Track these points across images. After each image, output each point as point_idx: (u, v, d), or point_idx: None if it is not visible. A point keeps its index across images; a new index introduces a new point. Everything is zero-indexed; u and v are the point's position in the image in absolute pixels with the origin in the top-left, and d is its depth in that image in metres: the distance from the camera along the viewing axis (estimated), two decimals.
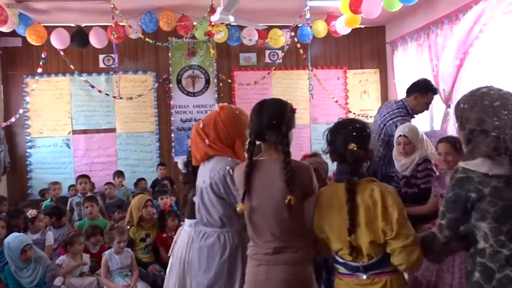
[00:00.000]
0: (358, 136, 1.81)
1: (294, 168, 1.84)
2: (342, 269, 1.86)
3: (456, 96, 5.15)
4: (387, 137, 3.62)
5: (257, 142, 1.99)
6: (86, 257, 3.98)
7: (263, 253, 1.90)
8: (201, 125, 2.31)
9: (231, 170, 2.15)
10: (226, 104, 2.38)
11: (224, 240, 2.23)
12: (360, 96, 7.27)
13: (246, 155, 2.18)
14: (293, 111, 1.95)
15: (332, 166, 2.61)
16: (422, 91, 3.57)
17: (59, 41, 5.72)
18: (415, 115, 3.68)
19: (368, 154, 1.85)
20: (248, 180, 1.88)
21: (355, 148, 1.78)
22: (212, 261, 2.22)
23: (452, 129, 5.06)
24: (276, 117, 1.90)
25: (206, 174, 2.25)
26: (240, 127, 2.27)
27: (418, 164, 3.09)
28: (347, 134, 1.82)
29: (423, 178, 3.08)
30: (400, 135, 3.16)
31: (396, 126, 3.38)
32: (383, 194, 1.74)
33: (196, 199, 2.37)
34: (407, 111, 3.57)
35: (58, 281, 3.62)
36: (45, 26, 5.67)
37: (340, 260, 1.85)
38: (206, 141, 2.25)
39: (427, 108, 3.65)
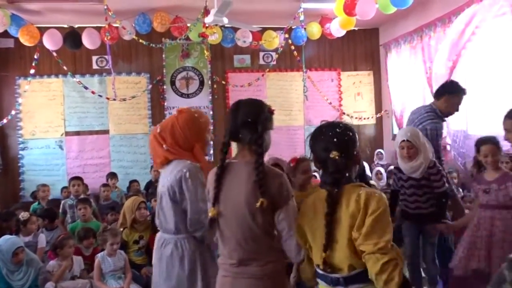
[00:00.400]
0: (340, 142, 1.67)
1: (266, 172, 1.72)
2: (322, 284, 1.70)
3: None
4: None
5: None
6: (79, 260, 3.95)
7: (228, 263, 1.80)
8: (158, 130, 2.25)
9: (187, 173, 2.09)
10: (185, 108, 2.32)
11: (181, 247, 2.17)
12: (354, 98, 7.30)
13: (207, 158, 2.23)
14: (271, 112, 1.86)
15: None
16: (453, 92, 3.56)
17: (52, 42, 5.69)
18: (445, 118, 3.65)
19: (354, 159, 1.71)
20: (218, 183, 1.78)
21: (336, 157, 1.64)
22: (172, 270, 2.17)
23: (446, 130, 5.11)
24: (251, 115, 1.78)
25: (164, 179, 2.21)
26: (199, 131, 2.22)
27: (430, 168, 3.17)
28: (327, 141, 1.69)
29: (439, 181, 3.16)
30: (403, 140, 3.20)
31: (426, 130, 3.39)
32: (368, 199, 1.58)
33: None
34: (437, 114, 3.55)
35: (49, 285, 3.58)
36: (37, 27, 5.63)
37: (320, 272, 1.69)
38: (164, 146, 2.19)
39: (457, 109, 3.63)
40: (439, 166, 3.22)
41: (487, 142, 2.97)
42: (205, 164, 2.19)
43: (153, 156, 2.31)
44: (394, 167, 3.53)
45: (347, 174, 1.69)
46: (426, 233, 3.28)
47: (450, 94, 3.55)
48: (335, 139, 1.68)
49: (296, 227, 1.75)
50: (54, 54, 5.96)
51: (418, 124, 3.52)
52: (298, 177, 3.03)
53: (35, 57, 5.94)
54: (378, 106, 7.31)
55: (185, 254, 2.16)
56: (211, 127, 2.36)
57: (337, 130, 1.70)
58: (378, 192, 1.65)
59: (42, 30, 5.65)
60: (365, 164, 6.49)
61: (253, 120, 1.77)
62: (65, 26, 6.10)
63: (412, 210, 3.26)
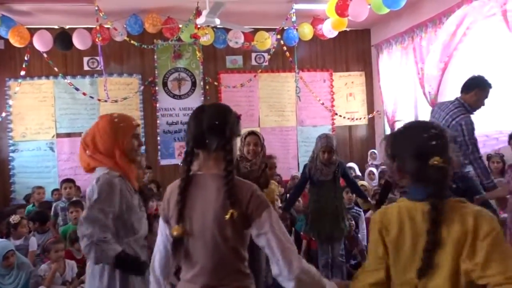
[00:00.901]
0: (439, 146, 1.39)
1: (236, 182, 1.55)
2: None
3: (441, 98, 5.22)
4: (453, 137, 3.63)
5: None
6: (71, 264, 3.90)
7: None
8: (83, 135, 2.19)
9: (95, 181, 1.98)
10: (108, 114, 2.18)
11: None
12: (346, 98, 7.32)
13: (130, 165, 2.08)
14: (237, 117, 1.69)
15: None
16: (483, 86, 3.56)
17: (42, 43, 5.64)
18: (473, 112, 3.63)
19: (453, 166, 1.42)
20: (182, 198, 1.56)
21: (440, 163, 1.35)
22: (93, 284, 2.04)
23: None
24: (219, 118, 1.59)
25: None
26: (119, 136, 2.08)
27: None
28: (423, 145, 1.40)
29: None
30: None
31: (461, 125, 3.39)
32: (477, 220, 1.32)
33: None
34: (466, 108, 3.54)
35: None
36: (27, 28, 5.58)
37: None
38: (87, 151, 2.11)
39: (484, 104, 3.64)
40: None
41: None
42: (127, 172, 2.07)
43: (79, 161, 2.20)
44: None
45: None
46: None
47: (480, 88, 3.54)
48: (433, 142, 1.40)
49: (370, 242, 1.50)
50: (45, 55, 5.91)
51: (451, 120, 3.49)
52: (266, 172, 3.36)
53: (26, 58, 5.88)
54: (370, 107, 7.35)
55: (104, 271, 2.01)
56: (139, 131, 2.17)
57: (433, 131, 1.42)
58: (485, 211, 1.38)
59: (32, 31, 5.60)
60: (355, 165, 6.52)
61: (221, 123, 1.58)
62: (56, 27, 6.06)
63: None
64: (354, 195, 4.38)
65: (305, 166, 3.79)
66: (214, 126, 1.58)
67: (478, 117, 4.17)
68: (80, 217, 1.99)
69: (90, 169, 2.13)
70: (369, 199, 4.15)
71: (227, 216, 1.46)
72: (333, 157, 3.62)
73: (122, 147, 2.08)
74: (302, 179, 3.85)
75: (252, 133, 3.28)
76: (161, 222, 1.68)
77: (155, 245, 1.70)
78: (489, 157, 4.37)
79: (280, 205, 4.31)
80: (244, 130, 2.73)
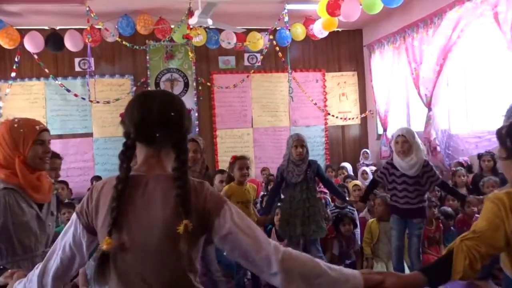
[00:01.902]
0: None
1: (190, 185, 1.27)
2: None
3: (436, 100, 5.27)
4: None
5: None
6: None
7: None
8: None
9: None
10: (10, 119, 1.93)
11: None
12: (339, 98, 7.34)
13: (31, 175, 1.83)
14: (188, 111, 1.40)
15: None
16: None
17: (33, 44, 5.59)
18: None
19: None
20: (119, 203, 1.22)
21: None
22: None
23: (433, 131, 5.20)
24: (174, 109, 1.30)
25: None
26: (19, 143, 1.83)
27: (424, 166, 3.36)
28: None
29: (434, 176, 3.37)
30: (399, 135, 3.40)
31: None
32: None
33: None
34: None
35: None
36: (18, 29, 5.53)
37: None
38: None
39: None
40: (431, 164, 3.43)
41: None
42: (26, 182, 1.83)
43: None
44: (387, 162, 3.60)
45: None
46: (413, 226, 3.45)
47: None
48: None
49: (485, 230, 1.40)
50: (36, 56, 5.86)
51: None
52: (235, 172, 3.50)
53: (16, 59, 5.83)
54: (363, 107, 7.37)
55: None
56: (44, 137, 1.91)
57: None
58: None
59: (22, 32, 5.56)
60: (348, 165, 6.54)
61: (177, 115, 1.30)
62: (47, 28, 6.01)
63: (401, 205, 3.42)
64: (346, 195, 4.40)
65: (278, 169, 3.79)
66: (169, 118, 1.28)
67: (470, 119, 4.23)
68: None
69: None
70: (348, 198, 4.19)
71: (181, 229, 1.18)
72: (305, 152, 3.62)
73: (22, 154, 1.84)
74: (276, 182, 3.83)
75: (191, 140, 3.23)
76: (74, 222, 1.31)
77: (51, 251, 1.33)
78: (479, 156, 4.41)
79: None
80: None
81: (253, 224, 1.28)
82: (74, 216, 1.32)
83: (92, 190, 1.31)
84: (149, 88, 6.60)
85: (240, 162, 3.50)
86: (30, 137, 1.84)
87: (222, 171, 4.32)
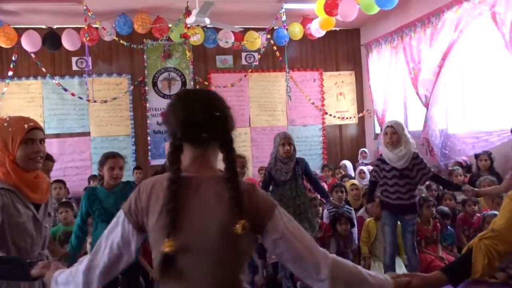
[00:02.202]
0: None
1: (242, 186, 1.27)
2: None
3: (435, 100, 5.28)
4: None
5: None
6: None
7: None
8: None
9: None
10: (3, 117, 1.89)
11: None
12: (336, 98, 7.35)
13: (22, 175, 1.78)
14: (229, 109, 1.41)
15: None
16: None
17: (30, 43, 5.58)
18: None
19: None
20: (174, 204, 1.21)
21: None
22: None
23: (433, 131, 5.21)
24: (219, 109, 1.31)
25: None
26: (8, 142, 1.78)
27: (413, 158, 3.36)
28: None
29: (425, 168, 3.38)
30: (388, 126, 3.41)
31: None
32: None
33: None
34: None
35: None
36: (15, 28, 5.52)
37: None
38: None
39: None
40: (421, 157, 3.43)
41: None
42: (19, 182, 1.79)
43: None
44: (377, 158, 3.62)
45: None
46: (405, 222, 3.45)
47: None
48: None
49: (503, 228, 1.44)
50: (33, 55, 5.85)
51: None
52: None
53: (13, 58, 5.82)
54: (360, 106, 7.38)
55: None
56: (35, 136, 1.84)
57: None
58: None
59: (20, 31, 5.54)
60: (349, 163, 6.55)
61: (222, 114, 1.30)
62: (44, 27, 5.99)
63: (392, 200, 3.42)
64: (344, 194, 4.41)
65: (266, 168, 3.80)
66: (214, 118, 1.28)
67: (467, 119, 4.23)
68: None
69: None
70: (331, 199, 4.14)
71: (239, 229, 1.19)
72: (292, 150, 3.63)
73: (12, 153, 1.78)
74: (265, 182, 3.83)
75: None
76: (122, 222, 1.29)
77: (96, 251, 1.31)
78: (477, 155, 4.43)
79: None
80: None
81: (302, 229, 1.29)
82: (121, 214, 1.30)
83: (140, 190, 1.29)
84: (146, 88, 6.60)
85: (238, 161, 3.50)
86: (18, 135, 1.78)
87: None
